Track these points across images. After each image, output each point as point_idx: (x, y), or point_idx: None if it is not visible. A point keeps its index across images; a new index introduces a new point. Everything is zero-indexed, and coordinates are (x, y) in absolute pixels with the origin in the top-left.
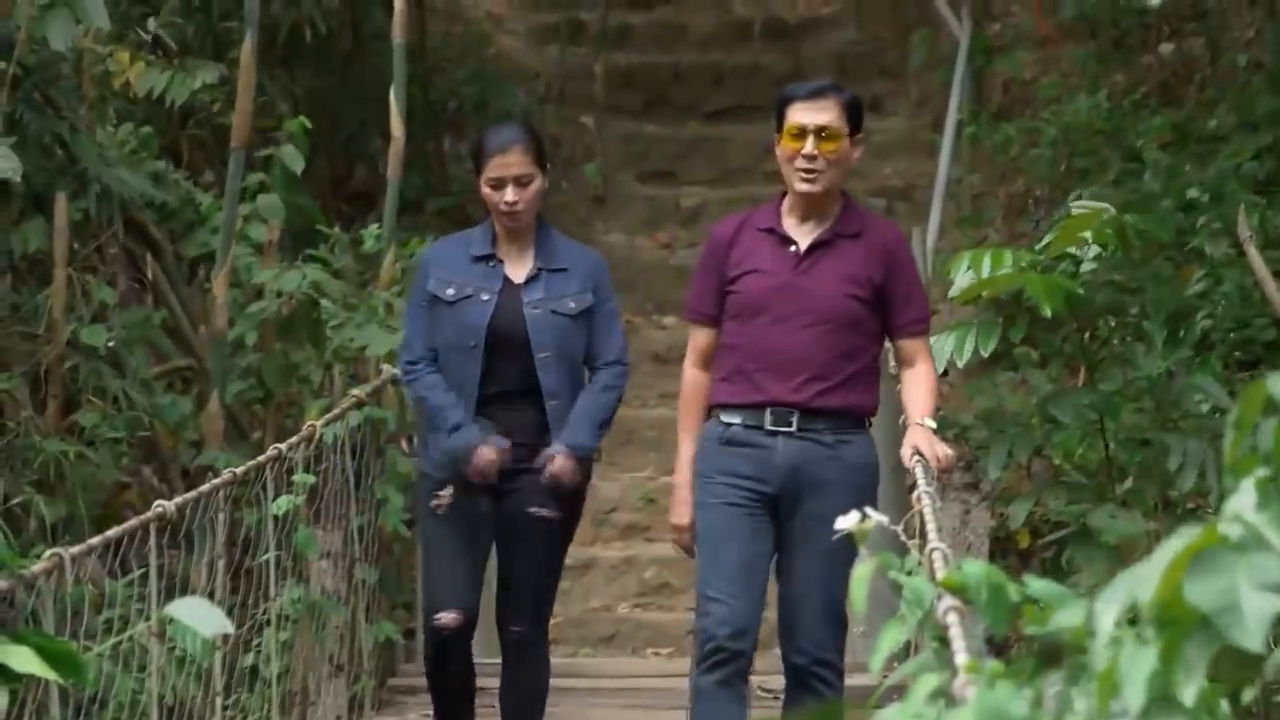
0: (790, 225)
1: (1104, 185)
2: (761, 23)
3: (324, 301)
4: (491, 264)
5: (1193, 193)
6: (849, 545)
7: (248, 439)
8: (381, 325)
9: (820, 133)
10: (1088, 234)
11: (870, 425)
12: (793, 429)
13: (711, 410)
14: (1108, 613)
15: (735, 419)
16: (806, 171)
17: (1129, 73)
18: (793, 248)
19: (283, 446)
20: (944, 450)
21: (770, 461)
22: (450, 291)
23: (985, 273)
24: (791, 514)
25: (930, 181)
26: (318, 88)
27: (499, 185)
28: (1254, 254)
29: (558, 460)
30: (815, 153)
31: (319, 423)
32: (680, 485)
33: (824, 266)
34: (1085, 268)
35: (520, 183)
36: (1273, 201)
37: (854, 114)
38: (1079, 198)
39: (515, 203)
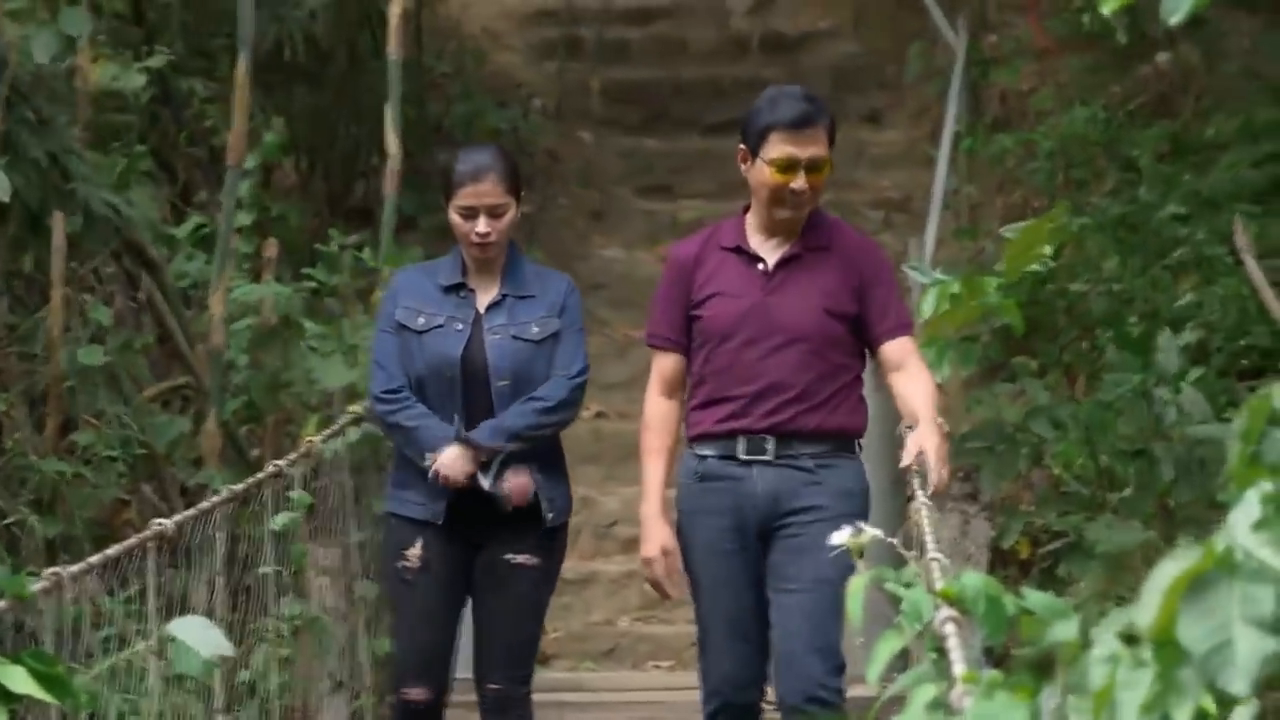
0: (757, 242)
1: (1101, 196)
2: (760, 36)
3: (309, 322)
4: (463, 294)
5: (1186, 203)
6: (839, 574)
7: (246, 456)
8: (346, 356)
9: (810, 166)
10: (1047, 249)
11: (860, 449)
12: (768, 456)
13: (688, 444)
14: (1107, 632)
15: (709, 451)
16: (795, 205)
17: (1126, 83)
18: (760, 266)
19: (281, 463)
20: (945, 473)
21: (747, 493)
22: (420, 320)
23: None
24: (776, 545)
25: (928, 193)
26: (315, 105)
27: (470, 215)
28: (1251, 263)
29: (442, 456)
30: (805, 187)
31: (318, 439)
32: (648, 515)
33: (794, 283)
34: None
35: (493, 213)
36: (1270, 210)
37: (834, 131)
38: (1078, 210)
39: (487, 234)
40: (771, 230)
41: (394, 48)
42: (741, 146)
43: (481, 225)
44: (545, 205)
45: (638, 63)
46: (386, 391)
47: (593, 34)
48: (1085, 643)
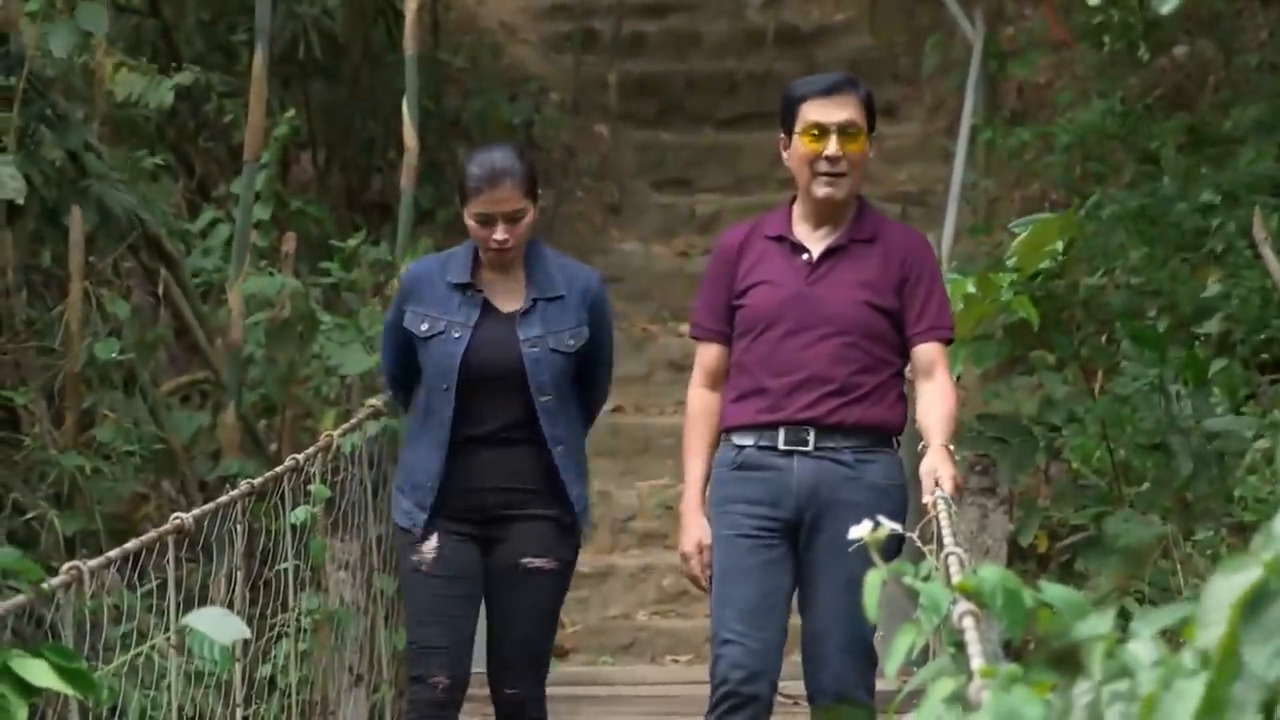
0: (802, 232)
1: (1119, 189)
2: (775, 29)
3: (325, 316)
4: (469, 293)
5: (1207, 195)
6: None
7: (265, 450)
8: (365, 345)
9: (843, 131)
10: (1058, 245)
11: (898, 445)
12: (809, 447)
13: (724, 434)
14: (1145, 636)
15: (748, 441)
16: (830, 175)
17: (1143, 76)
18: (804, 256)
19: (300, 457)
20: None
21: (785, 484)
22: (424, 327)
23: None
24: (811, 540)
25: (945, 187)
26: (332, 100)
27: (487, 221)
28: (1269, 256)
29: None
30: (839, 153)
31: (336, 433)
32: (687, 510)
33: (837, 275)
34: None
35: (511, 219)
36: None
37: (871, 110)
38: (1097, 203)
39: (505, 241)
40: (817, 218)
41: (410, 42)
42: (781, 136)
43: (499, 233)
44: (562, 199)
45: (653, 56)
46: (389, 389)
47: (608, 28)
48: (1121, 639)
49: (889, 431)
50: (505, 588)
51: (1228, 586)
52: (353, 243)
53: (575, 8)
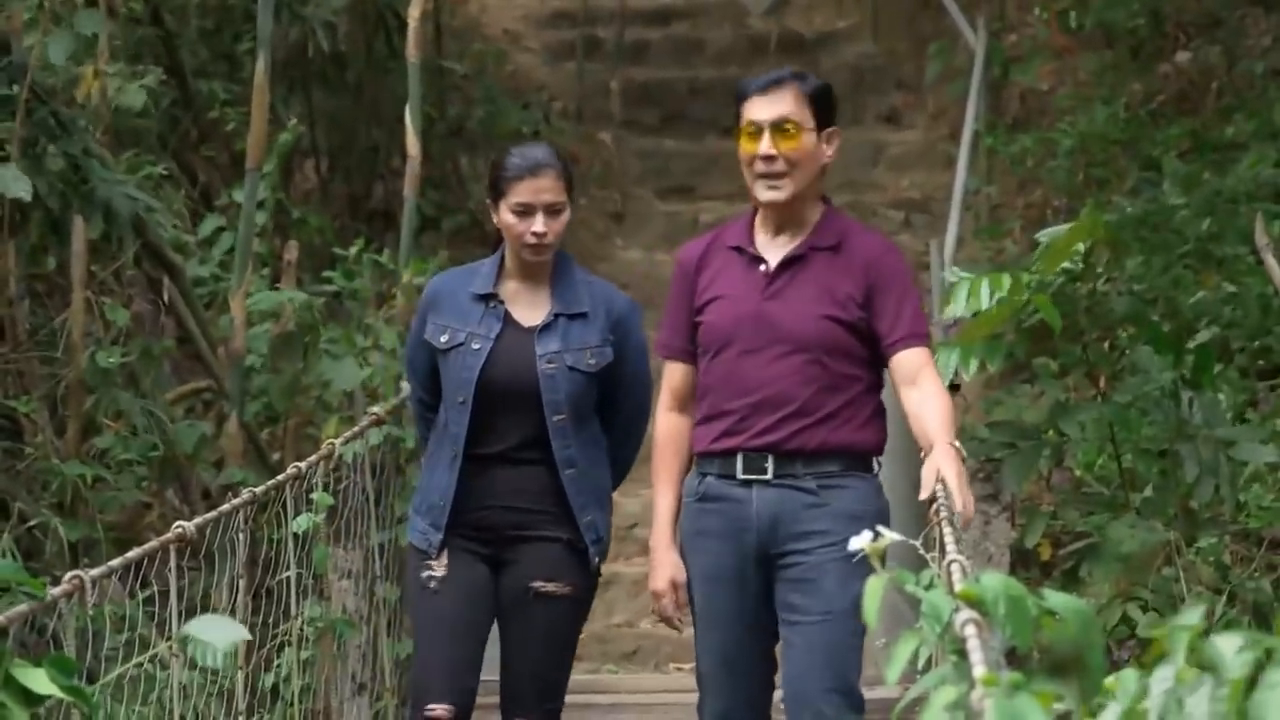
0: (762, 241)
1: (1122, 195)
2: (778, 37)
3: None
4: (492, 304)
5: (1209, 201)
6: (851, 604)
7: (267, 459)
8: (358, 358)
9: (777, 128)
10: (1080, 247)
11: (879, 467)
12: (768, 476)
13: (695, 460)
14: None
15: (710, 470)
16: (768, 176)
17: (1146, 82)
18: (762, 267)
19: (302, 465)
20: (969, 501)
21: (745, 516)
22: (444, 339)
23: (986, 300)
24: (782, 575)
25: (948, 193)
26: (336, 108)
27: (527, 212)
28: (1271, 262)
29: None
30: (772, 151)
31: (338, 441)
32: (657, 546)
33: (796, 286)
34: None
35: (551, 211)
36: None
37: (820, 104)
38: (1099, 209)
39: (544, 234)
40: (775, 225)
41: (413, 50)
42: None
43: (539, 224)
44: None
45: (656, 64)
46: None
47: (611, 35)
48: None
49: (862, 454)
50: (515, 613)
51: None
52: (355, 251)
53: (578, 15)
